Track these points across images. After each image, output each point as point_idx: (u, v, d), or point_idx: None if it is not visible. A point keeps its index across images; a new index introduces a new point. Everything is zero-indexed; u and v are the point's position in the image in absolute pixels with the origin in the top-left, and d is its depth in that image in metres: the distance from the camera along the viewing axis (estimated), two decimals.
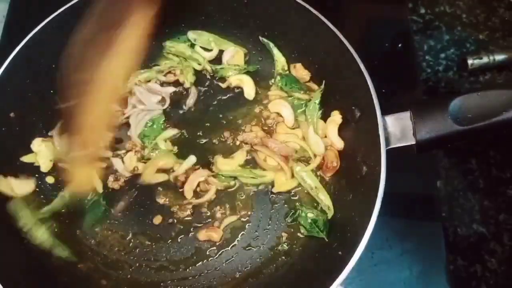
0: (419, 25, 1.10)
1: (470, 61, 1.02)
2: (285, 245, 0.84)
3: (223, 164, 0.88)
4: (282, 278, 0.81)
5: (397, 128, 0.73)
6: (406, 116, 0.73)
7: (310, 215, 0.83)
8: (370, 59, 0.80)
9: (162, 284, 0.82)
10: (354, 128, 0.83)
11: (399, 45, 1.06)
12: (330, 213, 0.83)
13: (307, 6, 0.86)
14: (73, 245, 0.84)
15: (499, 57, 1.02)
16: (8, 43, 1.06)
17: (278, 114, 0.93)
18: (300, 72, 0.94)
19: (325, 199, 0.84)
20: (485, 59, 1.02)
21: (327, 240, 0.80)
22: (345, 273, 0.67)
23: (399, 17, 1.11)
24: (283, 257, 0.84)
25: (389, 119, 0.74)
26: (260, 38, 0.97)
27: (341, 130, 0.87)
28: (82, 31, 0.70)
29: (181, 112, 0.95)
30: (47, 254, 0.81)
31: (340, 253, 0.75)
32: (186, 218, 0.86)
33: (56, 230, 0.83)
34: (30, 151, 0.88)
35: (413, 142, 0.72)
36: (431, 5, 1.12)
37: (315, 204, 0.86)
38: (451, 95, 0.71)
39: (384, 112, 0.74)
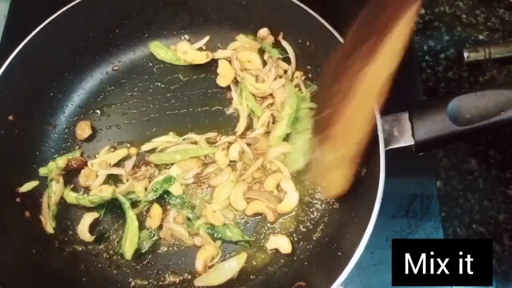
0: (418, 25, 1.10)
1: (466, 54, 1.02)
2: None
3: None
4: (282, 278, 0.81)
5: (396, 129, 0.73)
6: (404, 116, 0.73)
7: None
8: None
9: None
10: None
11: None
12: None
13: (306, 7, 0.86)
14: None
15: (496, 50, 1.01)
16: (9, 44, 1.06)
17: None
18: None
19: None
20: (481, 52, 1.02)
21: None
22: (346, 273, 0.67)
23: None
24: (284, 257, 0.84)
25: (388, 119, 0.74)
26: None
27: None
28: (345, 43, 0.68)
29: None
30: (46, 254, 0.82)
31: (339, 253, 0.75)
32: None
33: None
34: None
35: (412, 143, 0.72)
36: (431, 6, 1.12)
37: None
38: (449, 95, 0.71)
39: (383, 113, 0.74)
